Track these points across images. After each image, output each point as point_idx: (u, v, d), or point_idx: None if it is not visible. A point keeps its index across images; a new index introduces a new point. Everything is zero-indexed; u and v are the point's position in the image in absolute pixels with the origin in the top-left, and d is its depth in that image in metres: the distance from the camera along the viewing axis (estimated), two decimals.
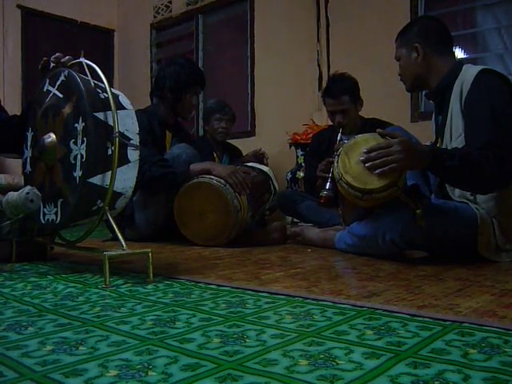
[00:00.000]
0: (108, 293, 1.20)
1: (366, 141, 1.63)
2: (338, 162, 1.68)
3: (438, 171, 1.62)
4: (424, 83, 1.87)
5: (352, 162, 1.63)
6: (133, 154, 1.44)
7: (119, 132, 1.37)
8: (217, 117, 3.44)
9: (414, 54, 1.83)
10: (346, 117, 2.67)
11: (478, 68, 1.71)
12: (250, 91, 4.48)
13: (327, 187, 2.26)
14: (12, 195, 1.41)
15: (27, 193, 1.37)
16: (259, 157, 3.13)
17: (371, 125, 2.65)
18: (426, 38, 1.82)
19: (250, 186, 2.25)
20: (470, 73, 1.71)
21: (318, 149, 2.90)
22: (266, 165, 2.92)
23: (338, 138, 2.58)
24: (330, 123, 3.41)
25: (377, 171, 1.55)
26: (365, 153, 1.57)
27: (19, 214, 1.43)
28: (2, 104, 1.94)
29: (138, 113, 1.89)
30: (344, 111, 2.66)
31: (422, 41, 1.82)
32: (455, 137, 1.73)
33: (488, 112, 1.60)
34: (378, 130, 1.64)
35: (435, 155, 1.55)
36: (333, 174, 1.88)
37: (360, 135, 1.70)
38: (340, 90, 2.66)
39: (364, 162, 1.58)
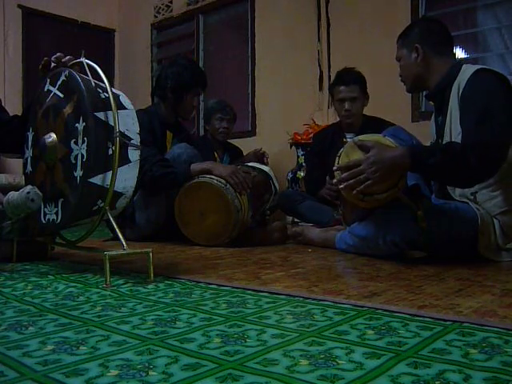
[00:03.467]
0: (109, 292, 1.20)
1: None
2: (339, 163, 1.68)
3: (421, 170, 1.62)
4: (424, 84, 1.87)
5: None
6: (133, 154, 1.44)
7: (120, 132, 1.37)
8: (218, 117, 3.44)
9: (414, 54, 1.83)
10: (354, 105, 2.74)
11: (475, 67, 1.71)
12: (250, 91, 4.48)
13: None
14: (13, 195, 1.41)
15: (28, 192, 1.37)
16: (260, 156, 3.13)
17: (372, 124, 2.67)
18: (427, 38, 1.82)
19: (250, 185, 2.25)
20: (467, 72, 1.71)
21: (319, 148, 2.90)
22: (267, 164, 2.92)
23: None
24: (330, 123, 3.41)
25: (354, 192, 1.56)
26: (335, 170, 1.62)
27: (20, 214, 1.43)
28: (3, 104, 1.94)
29: (139, 112, 1.89)
30: (353, 99, 2.73)
31: (423, 41, 1.82)
32: (455, 136, 1.72)
33: (476, 110, 1.59)
34: (355, 140, 1.65)
35: (414, 154, 1.54)
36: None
37: (361, 136, 1.71)
38: (352, 79, 2.75)
39: (338, 183, 1.60)
